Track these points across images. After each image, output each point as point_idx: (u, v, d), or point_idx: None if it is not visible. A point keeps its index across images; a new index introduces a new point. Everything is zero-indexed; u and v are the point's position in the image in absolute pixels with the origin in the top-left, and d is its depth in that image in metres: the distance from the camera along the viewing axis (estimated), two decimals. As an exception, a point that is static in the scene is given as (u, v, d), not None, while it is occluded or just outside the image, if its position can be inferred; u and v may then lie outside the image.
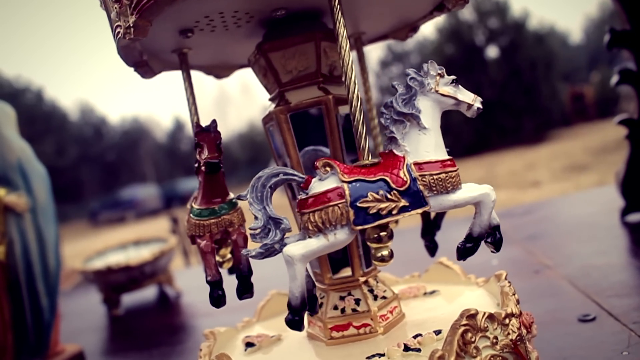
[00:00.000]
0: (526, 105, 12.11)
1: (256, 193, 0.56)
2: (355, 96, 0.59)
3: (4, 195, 1.28)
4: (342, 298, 0.72)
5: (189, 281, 1.96)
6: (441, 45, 13.41)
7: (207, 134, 0.65)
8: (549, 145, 9.40)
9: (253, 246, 0.58)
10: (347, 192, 0.55)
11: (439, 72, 0.60)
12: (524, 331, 0.63)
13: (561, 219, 1.76)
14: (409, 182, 0.56)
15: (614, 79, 1.40)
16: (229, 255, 0.73)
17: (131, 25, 0.57)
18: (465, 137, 11.64)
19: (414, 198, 0.56)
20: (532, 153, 8.50)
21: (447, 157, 0.60)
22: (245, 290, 0.67)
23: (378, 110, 0.67)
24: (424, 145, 0.59)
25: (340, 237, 0.55)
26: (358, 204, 0.54)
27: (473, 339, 0.54)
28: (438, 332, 0.61)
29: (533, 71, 12.39)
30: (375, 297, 0.71)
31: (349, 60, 0.60)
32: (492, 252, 0.65)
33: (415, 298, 0.81)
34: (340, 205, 0.54)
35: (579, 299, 1.00)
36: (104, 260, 1.89)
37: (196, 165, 0.67)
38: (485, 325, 0.56)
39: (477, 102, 0.60)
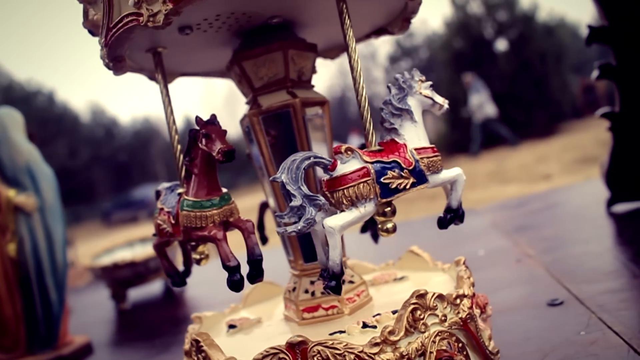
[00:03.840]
0: (536, 98, 11.95)
1: (291, 174, 0.62)
2: (363, 98, 0.67)
3: (14, 196, 1.36)
4: (312, 282, 0.78)
5: (193, 275, 2.02)
6: (450, 39, 13.29)
7: (214, 126, 0.67)
8: (559, 137, 9.32)
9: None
10: (372, 171, 0.63)
11: (421, 78, 0.72)
12: (478, 311, 0.69)
13: (551, 210, 1.81)
14: (414, 163, 0.66)
15: (594, 73, 1.45)
16: (207, 252, 0.76)
17: (164, 12, 0.59)
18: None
19: (419, 176, 0.67)
20: (543, 146, 8.43)
21: (431, 145, 0.71)
22: (258, 274, 0.67)
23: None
24: (417, 135, 0.70)
25: (368, 209, 0.63)
26: (382, 180, 0.64)
27: (422, 317, 0.61)
28: (395, 312, 0.67)
29: (543, 64, 12.23)
30: (343, 281, 0.77)
31: (358, 67, 0.68)
32: (455, 224, 0.74)
33: (386, 283, 0.88)
34: (368, 181, 0.63)
35: (552, 285, 1.05)
36: (112, 257, 1.97)
37: (187, 158, 0.70)
38: (435, 304, 0.62)
39: (445, 104, 0.74)
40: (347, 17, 0.67)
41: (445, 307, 0.63)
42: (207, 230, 0.66)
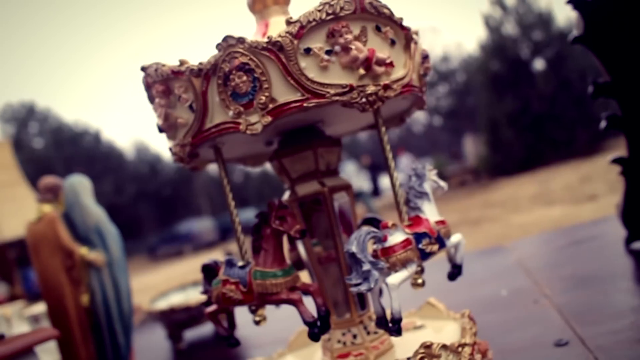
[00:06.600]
0: (578, 117, 11.63)
1: (359, 246, 0.79)
2: (397, 187, 0.86)
3: (87, 253, 1.58)
4: (344, 334, 0.95)
5: (243, 317, 2.20)
6: (486, 61, 13.19)
7: (286, 209, 0.81)
8: (604, 156, 9.13)
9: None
10: (413, 240, 0.82)
11: (430, 168, 0.94)
12: (479, 356, 0.83)
13: (573, 248, 1.89)
14: (437, 232, 0.86)
15: (602, 124, 1.57)
16: (265, 315, 0.87)
17: (262, 123, 0.72)
18: (516, 153, 11.38)
19: (441, 242, 0.86)
20: (588, 165, 8.25)
21: (442, 218, 0.91)
22: (327, 327, 0.81)
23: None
24: (432, 211, 0.90)
25: (413, 268, 0.81)
26: (420, 247, 0.82)
27: (429, 364, 0.76)
28: (409, 359, 0.82)
29: (583, 81, 11.99)
30: (368, 333, 0.93)
31: (392, 165, 0.86)
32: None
33: (407, 331, 1.03)
34: (412, 249, 0.81)
35: (561, 326, 1.16)
36: (167, 301, 2.16)
37: (256, 236, 0.83)
38: (439, 353, 0.77)
39: (446, 187, 0.95)
40: (382, 125, 0.85)
41: (449, 355, 0.78)
42: (285, 294, 0.81)
